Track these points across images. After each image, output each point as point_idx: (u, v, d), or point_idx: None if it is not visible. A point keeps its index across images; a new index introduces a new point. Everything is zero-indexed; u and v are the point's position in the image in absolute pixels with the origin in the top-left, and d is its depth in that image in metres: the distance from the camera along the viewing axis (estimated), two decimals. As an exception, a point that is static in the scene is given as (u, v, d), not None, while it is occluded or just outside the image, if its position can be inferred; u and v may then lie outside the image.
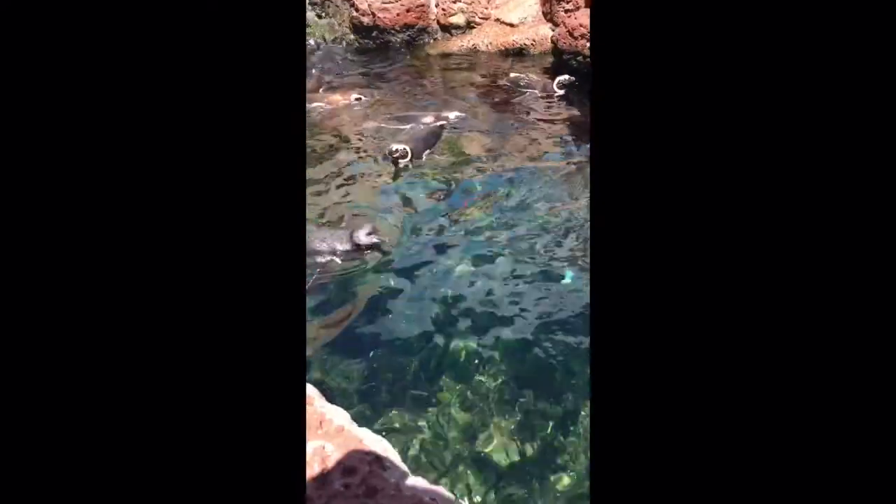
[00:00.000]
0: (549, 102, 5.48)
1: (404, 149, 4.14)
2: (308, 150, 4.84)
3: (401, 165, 4.17)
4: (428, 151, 4.48)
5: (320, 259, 3.34)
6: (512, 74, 6.07)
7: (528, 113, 5.37)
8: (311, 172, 4.34)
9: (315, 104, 5.78)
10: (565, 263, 3.28)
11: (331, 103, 5.84)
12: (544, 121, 5.20)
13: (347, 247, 3.36)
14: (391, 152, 4.13)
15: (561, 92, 5.48)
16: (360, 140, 4.97)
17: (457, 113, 5.17)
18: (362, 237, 3.37)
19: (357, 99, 5.95)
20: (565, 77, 5.49)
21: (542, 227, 3.66)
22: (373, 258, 3.40)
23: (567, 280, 3.14)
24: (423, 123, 5.09)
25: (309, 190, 4.09)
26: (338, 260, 3.34)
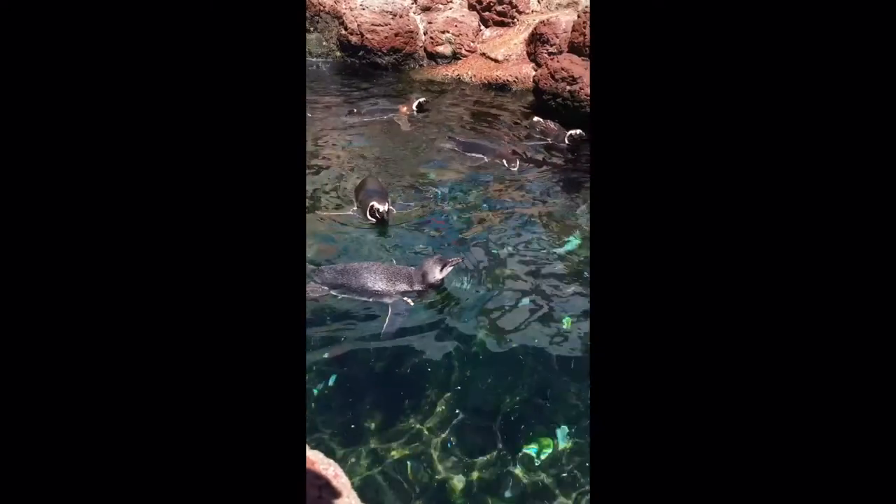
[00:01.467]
0: (554, 154, 5.62)
1: (389, 208, 4.14)
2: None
3: (385, 221, 4.15)
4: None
5: (388, 301, 3.14)
6: (535, 119, 6.25)
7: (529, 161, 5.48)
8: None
9: (390, 115, 6.13)
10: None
11: (400, 112, 6.21)
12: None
13: (419, 287, 3.18)
14: (380, 212, 4.02)
15: (565, 145, 5.66)
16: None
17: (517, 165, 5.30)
18: (437, 274, 3.17)
19: (420, 104, 6.33)
20: (577, 132, 5.66)
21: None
22: (440, 298, 3.23)
23: (565, 324, 3.14)
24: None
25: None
26: (410, 301, 3.14)
